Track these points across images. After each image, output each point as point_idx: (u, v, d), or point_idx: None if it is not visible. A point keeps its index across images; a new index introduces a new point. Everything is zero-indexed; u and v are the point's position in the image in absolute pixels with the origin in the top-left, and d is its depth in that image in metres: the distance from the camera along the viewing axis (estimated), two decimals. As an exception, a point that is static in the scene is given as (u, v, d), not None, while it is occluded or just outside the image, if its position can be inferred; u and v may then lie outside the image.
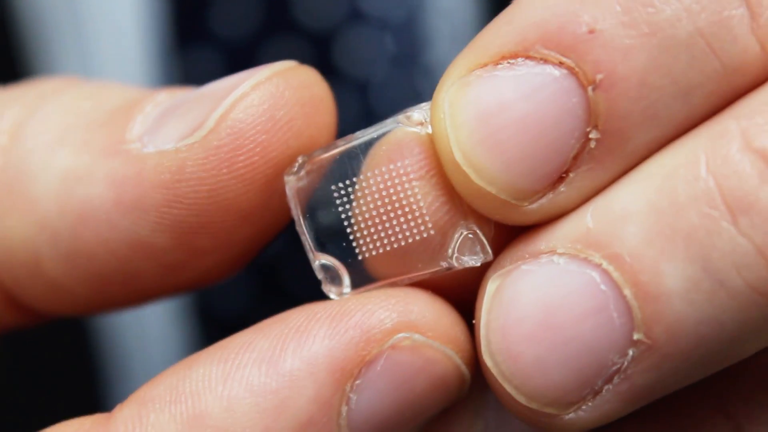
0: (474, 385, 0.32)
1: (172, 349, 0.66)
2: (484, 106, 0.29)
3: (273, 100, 0.31)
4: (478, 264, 0.30)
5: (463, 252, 0.30)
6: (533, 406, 0.29)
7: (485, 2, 0.66)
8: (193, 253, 0.32)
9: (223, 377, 0.30)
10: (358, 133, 0.31)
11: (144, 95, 0.33)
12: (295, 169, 0.31)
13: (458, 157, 0.29)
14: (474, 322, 0.30)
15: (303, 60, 0.64)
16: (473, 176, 0.29)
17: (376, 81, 0.66)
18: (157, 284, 0.33)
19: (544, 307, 0.29)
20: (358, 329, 0.30)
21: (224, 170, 0.31)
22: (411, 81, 0.66)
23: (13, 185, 0.33)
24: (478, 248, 0.30)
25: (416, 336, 0.30)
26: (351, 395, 0.30)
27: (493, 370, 0.30)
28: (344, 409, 0.29)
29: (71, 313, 0.34)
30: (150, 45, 0.65)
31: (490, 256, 0.30)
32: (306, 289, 0.60)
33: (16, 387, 0.63)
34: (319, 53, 0.65)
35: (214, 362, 0.30)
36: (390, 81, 0.66)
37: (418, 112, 0.31)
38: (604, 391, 0.29)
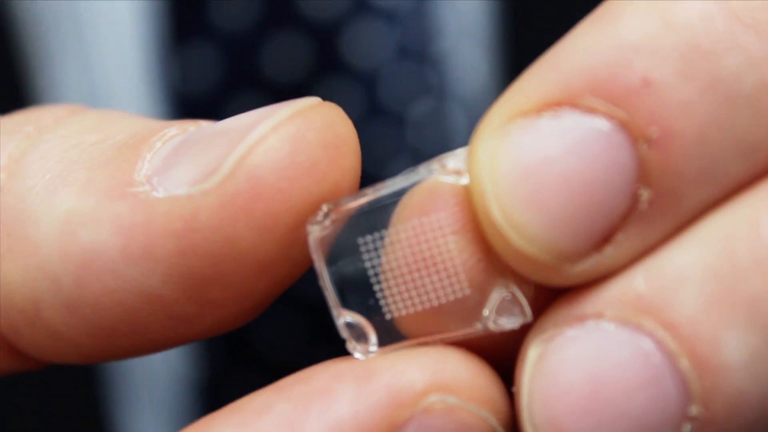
0: None
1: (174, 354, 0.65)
2: (525, 160, 0.27)
3: (294, 142, 0.29)
4: (516, 326, 0.28)
5: (501, 314, 0.28)
6: None
7: None
8: (205, 305, 0.30)
9: None
10: (388, 182, 0.29)
11: (153, 129, 0.31)
12: (320, 218, 0.29)
13: (497, 214, 0.27)
14: (514, 389, 0.28)
15: (307, 54, 0.63)
16: (513, 235, 0.27)
17: (382, 74, 0.65)
18: (166, 336, 0.30)
19: (591, 378, 0.27)
20: (386, 391, 0.28)
21: (241, 219, 0.28)
22: (419, 73, 0.65)
23: (12, 227, 0.30)
24: (517, 310, 0.28)
25: (450, 398, 0.28)
26: None
27: None
28: None
29: (72, 362, 0.32)
30: (149, 38, 0.64)
31: (530, 318, 0.28)
32: (311, 294, 0.58)
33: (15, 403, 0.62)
34: (324, 46, 0.64)
35: (231, 426, 0.28)
36: (397, 74, 0.65)
37: (453, 160, 0.28)
38: None
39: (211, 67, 0.63)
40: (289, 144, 0.29)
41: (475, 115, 0.64)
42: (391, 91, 0.64)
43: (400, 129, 0.64)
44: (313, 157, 0.29)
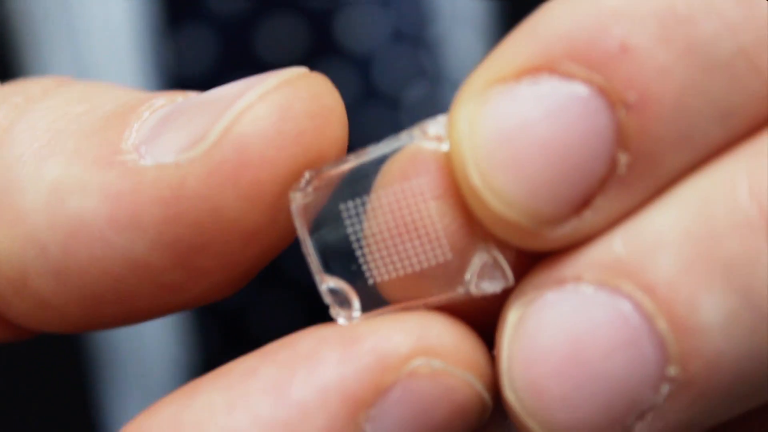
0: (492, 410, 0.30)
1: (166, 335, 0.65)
2: (504, 126, 0.27)
3: (281, 111, 0.29)
4: (498, 291, 0.29)
5: (483, 278, 0.29)
6: None
7: None
8: (192, 273, 0.30)
9: (228, 407, 0.28)
10: (370, 148, 0.29)
11: (141, 99, 0.31)
12: (302, 185, 0.29)
13: (476, 179, 0.27)
14: (494, 352, 0.29)
15: (302, 37, 0.64)
16: (492, 200, 0.27)
17: (377, 57, 0.65)
18: (153, 304, 0.31)
19: (570, 340, 0.27)
20: (372, 355, 0.28)
21: (228, 188, 0.29)
22: (413, 57, 0.65)
23: (0, 197, 0.31)
24: (498, 274, 0.29)
25: (435, 362, 0.28)
26: (365, 425, 0.28)
27: (516, 406, 0.28)
28: None
29: (60, 331, 0.32)
30: (143, 21, 0.64)
31: (511, 283, 0.29)
32: (306, 276, 0.59)
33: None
34: (319, 29, 0.64)
35: (217, 390, 0.28)
36: (392, 57, 0.65)
37: (434, 126, 0.29)
38: (635, 428, 0.28)
39: (205, 50, 0.63)
40: (276, 113, 0.29)
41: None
42: (386, 74, 0.64)
43: (394, 112, 0.64)
44: (300, 126, 0.29)
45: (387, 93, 0.64)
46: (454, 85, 0.65)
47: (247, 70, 0.63)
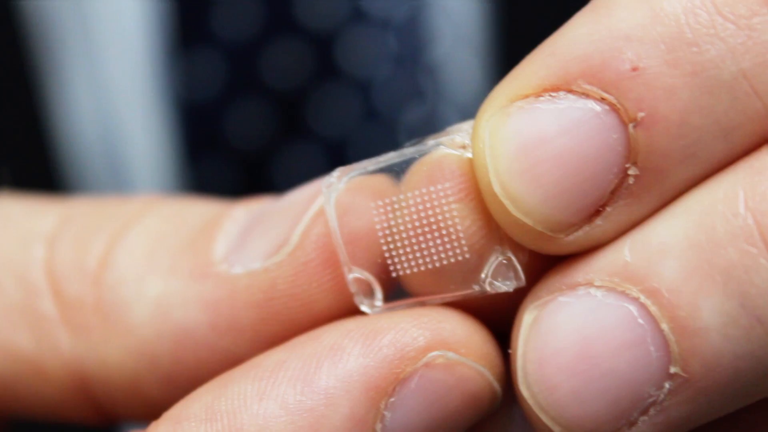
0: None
1: None
2: (524, 139, 0.29)
3: (350, 209, 0.32)
4: (511, 290, 0.31)
5: (497, 277, 0.31)
6: None
7: (487, 1, 0.67)
8: None
9: (258, 395, 0.30)
10: (399, 152, 0.31)
11: (220, 213, 0.34)
12: (334, 180, 0.31)
13: (496, 187, 0.30)
14: (510, 351, 0.31)
15: (305, 60, 0.65)
16: (510, 207, 0.30)
17: (378, 80, 0.66)
18: None
19: (581, 340, 0.30)
20: (392, 347, 0.30)
21: (314, 284, 0.32)
22: (413, 80, 0.66)
23: (109, 315, 0.34)
24: (512, 274, 0.31)
25: (449, 354, 0.31)
26: (385, 413, 0.30)
27: (530, 401, 0.30)
28: (378, 426, 0.30)
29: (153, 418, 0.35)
30: (153, 46, 0.65)
31: (523, 283, 0.31)
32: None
33: None
34: (321, 54, 0.66)
35: (248, 380, 0.30)
36: (392, 80, 0.66)
37: (460, 135, 0.31)
38: (639, 422, 0.30)
39: (213, 74, 0.65)
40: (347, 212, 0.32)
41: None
42: (386, 96, 0.65)
43: (394, 134, 0.65)
44: (368, 216, 0.32)
45: (387, 115, 0.65)
46: (453, 107, 0.66)
47: (253, 93, 0.65)
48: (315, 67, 0.65)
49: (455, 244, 0.31)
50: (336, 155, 0.64)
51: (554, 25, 0.31)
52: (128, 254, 0.34)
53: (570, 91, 0.29)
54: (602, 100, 0.29)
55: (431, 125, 0.66)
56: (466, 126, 0.31)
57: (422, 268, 0.31)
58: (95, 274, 0.34)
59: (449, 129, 0.31)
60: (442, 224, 0.31)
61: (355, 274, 0.32)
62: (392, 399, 0.30)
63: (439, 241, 0.31)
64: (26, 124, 0.67)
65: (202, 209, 0.35)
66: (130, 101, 0.67)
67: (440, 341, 0.31)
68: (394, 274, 0.31)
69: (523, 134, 0.30)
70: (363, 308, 0.32)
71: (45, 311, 0.34)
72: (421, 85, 0.66)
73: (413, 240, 0.31)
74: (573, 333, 0.30)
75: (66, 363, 0.34)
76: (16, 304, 0.35)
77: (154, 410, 0.33)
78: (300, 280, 0.32)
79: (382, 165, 0.31)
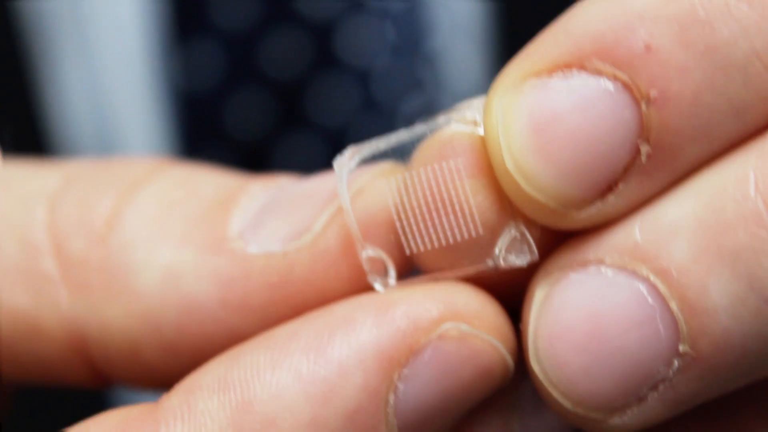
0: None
1: None
2: (537, 116, 0.30)
3: (362, 187, 0.32)
4: (524, 264, 0.31)
5: (510, 252, 0.31)
6: (579, 411, 0.30)
7: None
8: None
9: (271, 365, 0.30)
10: (410, 129, 0.32)
11: (237, 187, 0.34)
12: (345, 158, 0.32)
13: (509, 164, 0.30)
14: (521, 327, 0.31)
15: (304, 50, 0.65)
16: (523, 183, 0.30)
17: (377, 70, 0.66)
18: None
19: (591, 317, 0.30)
20: (405, 319, 0.30)
21: (331, 273, 0.32)
22: (412, 70, 0.67)
23: (115, 277, 0.34)
24: (525, 249, 0.31)
25: (463, 326, 0.31)
26: (398, 384, 0.30)
27: (540, 376, 0.30)
28: (391, 397, 0.30)
29: (152, 388, 0.35)
30: (151, 37, 0.65)
31: (536, 257, 0.31)
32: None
33: None
34: (320, 43, 0.66)
35: (261, 351, 0.31)
36: (391, 70, 0.66)
37: (472, 112, 0.31)
38: (648, 398, 0.30)
39: (212, 64, 0.65)
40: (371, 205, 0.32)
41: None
42: (385, 86, 0.66)
43: (393, 123, 0.66)
44: (387, 213, 0.32)
45: (386, 104, 0.66)
46: (452, 97, 0.66)
47: (251, 83, 0.65)
48: (314, 57, 0.65)
49: (468, 220, 0.31)
50: (335, 145, 0.64)
51: (552, 13, 0.31)
52: (138, 217, 0.34)
53: (583, 69, 0.30)
54: (615, 78, 0.29)
55: (430, 115, 0.66)
56: (477, 102, 0.31)
57: (435, 245, 0.31)
58: (101, 234, 0.34)
59: (459, 105, 0.31)
60: (454, 200, 0.31)
61: (368, 252, 0.32)
62: (405, 370, 0.30)
63: (452, 218, 0.31)
64: (22, 117, 0.67)
65: (215, 179, 0.35)
66: (128, 92, 0.67)
67: (454, 313, 0.31)
68: (407, 252, 0.31)
69: (536, 112, 0.30)
70: (377, 286, 0.32)
71: (45, 269, 0.34)
72: (420, 74, 0.66)
73: (426, 217, 0.31)
74: (584, 310, 0.30)
75: (64, 322, 0.34)
76: (15, 264, 0.34)
77: (152, 376, 0.34)
78: (318, 268, 0.32)
79: (393, 143, 0.31)
